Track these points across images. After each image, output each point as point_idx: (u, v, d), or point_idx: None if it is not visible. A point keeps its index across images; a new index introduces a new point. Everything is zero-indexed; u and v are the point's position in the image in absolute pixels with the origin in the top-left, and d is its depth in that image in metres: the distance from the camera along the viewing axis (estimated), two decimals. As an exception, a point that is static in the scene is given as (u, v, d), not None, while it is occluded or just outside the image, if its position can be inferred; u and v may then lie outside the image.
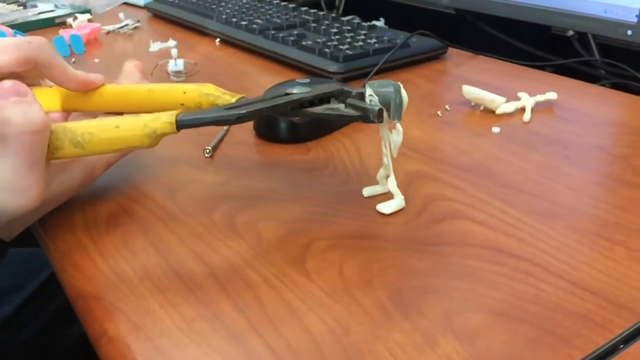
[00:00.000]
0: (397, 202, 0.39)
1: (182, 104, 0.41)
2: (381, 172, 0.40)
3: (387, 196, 0.40)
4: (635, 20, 0.64)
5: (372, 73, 0.62)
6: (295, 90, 0.37)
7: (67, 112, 0.43)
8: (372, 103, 0.36)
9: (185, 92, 0.41)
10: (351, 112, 0.36)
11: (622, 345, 0.25)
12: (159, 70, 0.67)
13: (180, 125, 0.34)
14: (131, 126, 0.34)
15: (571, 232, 0.37)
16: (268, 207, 0.40)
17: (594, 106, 0.56)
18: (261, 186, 0.43)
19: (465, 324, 0.30)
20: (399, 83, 0.37)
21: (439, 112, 0.55)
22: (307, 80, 0.52)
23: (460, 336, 0.29)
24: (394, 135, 0.38)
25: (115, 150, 0.35)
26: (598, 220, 0.38)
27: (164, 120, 0.34)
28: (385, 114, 0.36)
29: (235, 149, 0.49)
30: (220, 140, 0.50)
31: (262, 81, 0.65)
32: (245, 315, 0.30)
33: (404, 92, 0.37)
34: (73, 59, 0.74)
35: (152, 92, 0.41)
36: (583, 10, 0.69)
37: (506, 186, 0.42)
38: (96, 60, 0.73)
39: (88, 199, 0.41)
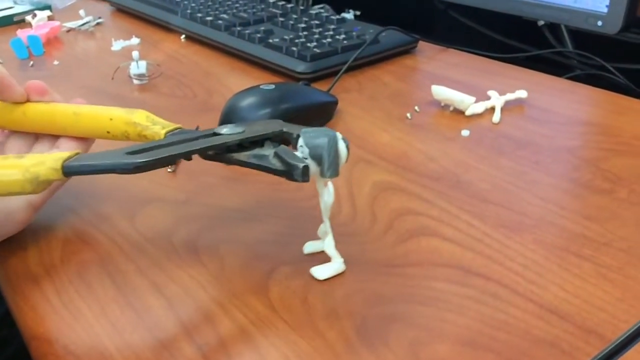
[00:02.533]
0: (334, 267, 0.34)
1: (108, 132, 0.39)
2: (321, 228, 0.36)
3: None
4: (605, 10, 0.63)
5: (340, 72, 0.60)
6: (224, 131, 0.34)
7: None
8: (303, 156, 0.32)
9: (111, 119, 0.38)
10: (277, 164, 0.31)
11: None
12: (121, 73, 0.65)
13: (67, 172, 0.31)
14: (10, 171, 0.30)
15: (539, 247, 0.36)
16: (231, 229, 0.39)
17: (563, 103, 0.55)
18: (224, 204, 0.42)
19: (431, 356, 0.29)
20: (337, 133, 0.32)
21: (408, 114, 0.54)
22: (273, 87, 0.51)
23: (425, 370, 0.28)
24: (325, 195, 0.33)
25: None
26: (566, 232, 0.37)
27: (49, 166, 0.30)
28: (317, 169, 0.32)
29: (198, 162, 0.47)
30: (183, 153, 0.48)
31: (229, 83, 0.63)
32: (205, 355, 0.29)
33: (341, 145, 0.32)
34: (31, 62, 0.71)
35: (78, 115, 0.39)
36: (553, 0, 0.67)
37: (475, 196, 0.41)
38: (56, 62, 0.70)
39: (41, 222, 0.40)
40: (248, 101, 0.49)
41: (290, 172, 0.31)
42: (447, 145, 0.48)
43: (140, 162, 0.30)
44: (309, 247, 0.36)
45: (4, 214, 0.36)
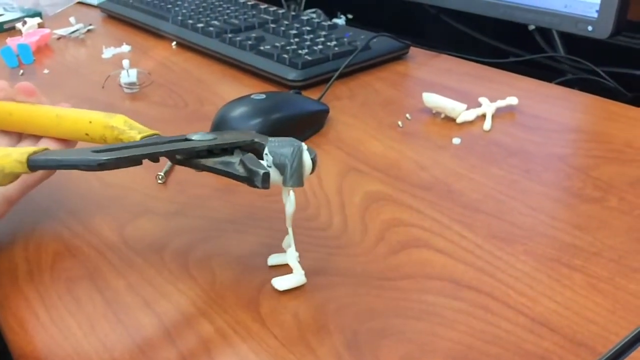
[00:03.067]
0: (295, 279, 0.34)
1: (86, 134, 0.40)
2: (286, 241, 0.35)
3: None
4: (595, 15, 0.64)
5: (331, 80, 0.60)
6: (195, 137, 0.34)
7: None
8: (267, 164, 0.32)
9: (90, 122, 0.39)
10: (240, 171, 0.32)
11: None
12: (111, 82, 0.65)
13: (32, 166, 0.32)
14: None
15: (530, 258, 0.36)
16: (222, 241, 0.39)
17: (554, 110, 0.56)
18: (216, 216, 0.42)
19: (422, 371, 0.29)
20: (302, 144, 0.33)
21: (399, 123, 0.54)
22: (263, 96, 0.51)
23: (416, 386, 0.28)
24: (287, 205, 0.34)
25: None
26: (557, 243, 0.38)
27: (14, 158, 0.32)
28: (281, 178, 0.32)
29: (189, 172, 0.46)
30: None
31: (220, 91, 0.63)
32: (195, 373, 0.29)
33: (306, 156, 0.32)
34: (21, 70, 0.70)
35: (60, 117, 0.40)
36: (544, 5, 0.68)
37: (466, 207, 0.41)
38: (46, 71, 0.70)
39: (31, 236, 0.40)
40: (239, 111, 0.49)
41: (251, 178, 0.31)
42: (439, 154, 0.48)
43: (104, 159, 0.30)
44: (273, 259, 0.36)
45: None
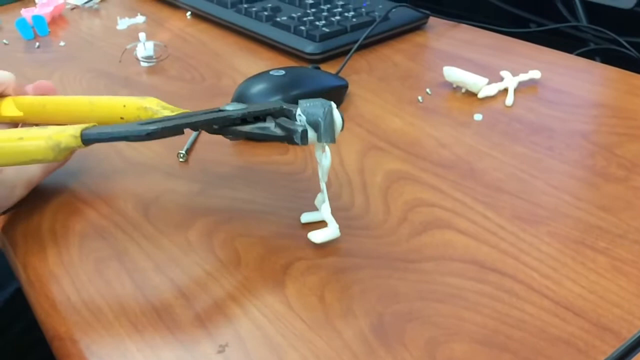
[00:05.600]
0: (329, 232, 0.36)
1: (122, 118, 0.41)
2: (319, 198, 0.38)
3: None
4: (621, -16, 0.62)
5: (350, 54, 0.59)
6: (228, 107, 0.36)
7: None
8: (301, 123, 0.34)
9: (125, 106, 0.40)
10: (278, 132, 0.34)
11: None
12: (128, 55, 0.64)
13: (85, 139, 0.34)
14: (35, 138, 0.34)
15: (554, 240, 0.36)
16: (246, 221, 0.39)
17: (577, 83, 0.55)
18: (238, 195, 0.42)
19: (447, 356, 0.29)
20: (332, 103, 0.34)
21: (419, 98, 0.53)
22: (282, 72, 0.50)
23: (442, 370, 0.29)
24: (323, 159, 0.36)
25: (18, 163, 0.34)
26: (581, 224, 0.37)
27: (69, 133, 0.34)
28: (315, 135, 0.34)
29: (210, 151, 0.47)
30: (195, 141, 0.48)
31: (237, 65, 0.62)
32: (226, 357, 0.30)
33: (336, 114, 0.34)
34: (37, 43, 0.70)
35: (93, 105, 0.41)
36: (567, -27, 0.66)
37: (488, 186, 0.41)
38: (62, 43, 0.70)
39: (57, 215, 0.40)
40: (258, 88, 0.49)
41: (290, 136, 0.34)
42: (460, 131, 0.48)
43: (152, 129, 0.33)
44: (306, 217, 0.38)
45: (9, 188, 0.39)
